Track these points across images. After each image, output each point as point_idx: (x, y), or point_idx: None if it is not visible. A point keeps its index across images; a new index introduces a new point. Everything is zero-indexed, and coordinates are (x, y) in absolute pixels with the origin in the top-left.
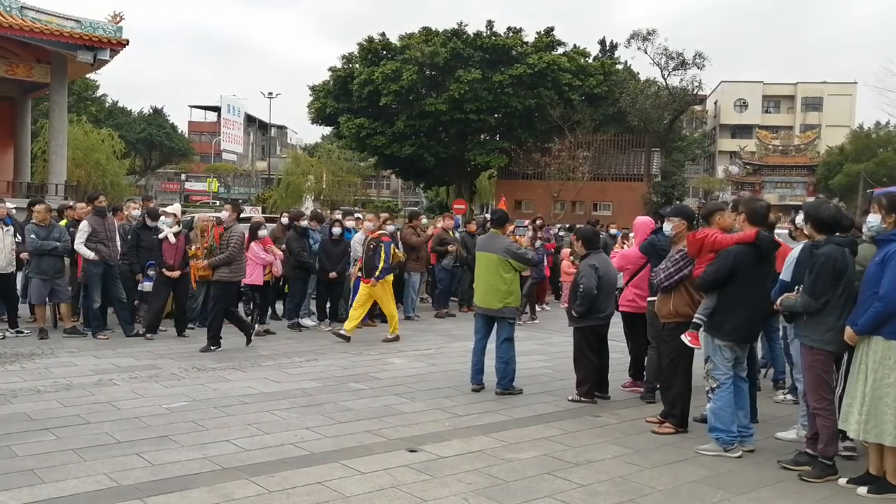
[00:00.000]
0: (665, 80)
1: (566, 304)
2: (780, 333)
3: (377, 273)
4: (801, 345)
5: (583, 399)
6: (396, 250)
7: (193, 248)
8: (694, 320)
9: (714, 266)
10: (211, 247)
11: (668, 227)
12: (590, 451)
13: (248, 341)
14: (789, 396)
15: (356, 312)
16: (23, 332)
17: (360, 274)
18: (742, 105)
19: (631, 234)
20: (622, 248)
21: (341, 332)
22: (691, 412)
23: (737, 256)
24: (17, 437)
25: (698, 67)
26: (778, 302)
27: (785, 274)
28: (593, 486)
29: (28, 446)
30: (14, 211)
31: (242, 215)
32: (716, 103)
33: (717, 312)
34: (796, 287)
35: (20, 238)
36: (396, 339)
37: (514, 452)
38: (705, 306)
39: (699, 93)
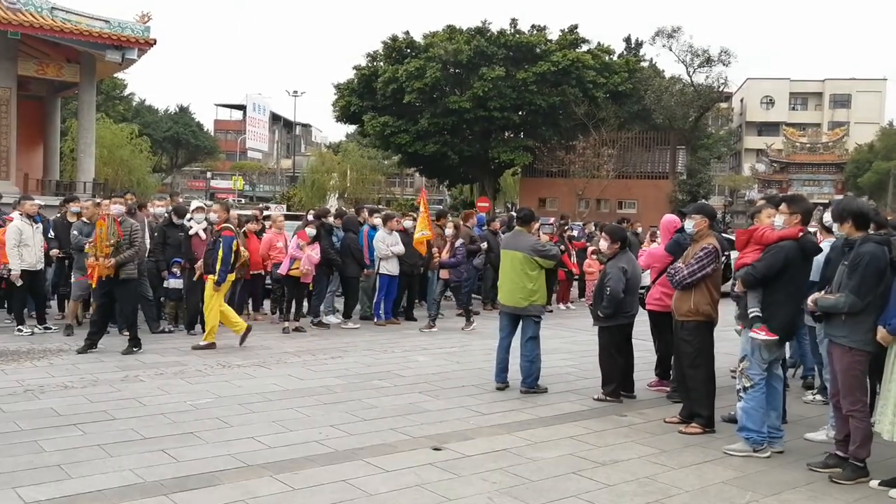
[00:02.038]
0: (690, 77)
1: (590, 302)
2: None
3: (216, 275)
4: (836, 346)
5: (608, 398)
6: (242, 248)
7: (88, 243)
8: (753, 315)
9: (765, 261)
10: (118, 243)
11: (689, 225)
12: (616, 450)
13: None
14: (818, 397)
15: (213, 316)
16: (50, 329)
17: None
18: (769, 102)
19: (658, 233)
20: (650, 246)
21: (202, 344)
22: (717, 412)
23: (788, 253)
24: (44, 433)
25: (724, 64)
26: (811, 302)
27: (813, 274)
28: (619, 487)
29: (55, 441)
30: (41, 205)
31: (265, 213)
32: (742, 101)
33: (763, 308)
34: (826, 286)
35: (52, 235)
36: (211, 346)
37: (539, 451)
38: (756, 300)
39: (725, 90)
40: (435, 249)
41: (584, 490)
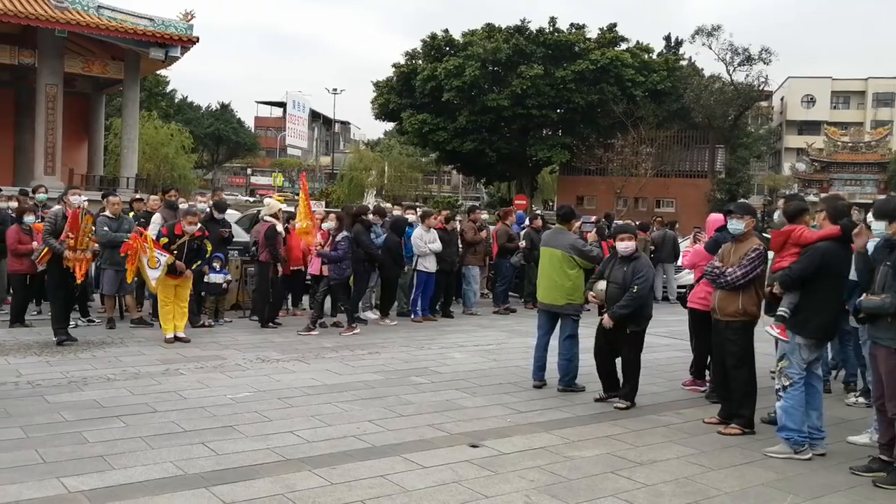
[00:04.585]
0: (730, 75)
1: None
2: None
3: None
4: (881, 348)
5: (606, 398)
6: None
7: (71, 236)
8: (779, 314)
9: (802, 263)
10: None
11: (739, 225)
12: (654, 450)
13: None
14: (861, 399)
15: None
16: (94, 322)
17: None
18: (810, 101)
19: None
20: (693, 245)
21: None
22: (757, 413)
23: (825, 254)
24: (87, 424)
25: (764, 63)
26: (857, 302)
27: (855, 274)
28: (658, 487)
29: (98, 433)
30: (87, 203)
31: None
32: (782, 99)
33: (800, 310)
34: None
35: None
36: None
37: (577, 450)
38: (789, 301)
39: (765, 88)
40: (318, 241)
41: (622, 489)
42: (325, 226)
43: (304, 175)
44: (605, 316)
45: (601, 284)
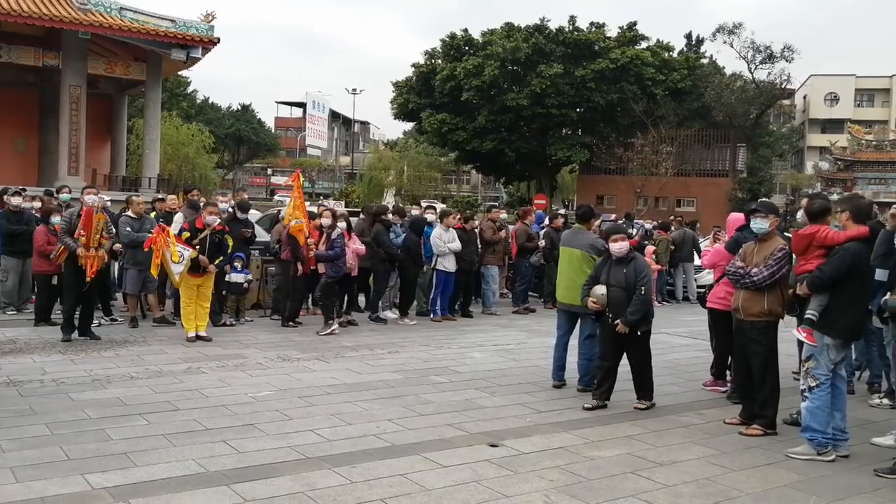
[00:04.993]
0: (752, 73)
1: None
2: None
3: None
4: None
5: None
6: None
7: (83, 234)
8: (807, 317)
9: (833, 264)
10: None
11: (763, 224)
12: (674, 451)
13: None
14: (885, 401)
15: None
16: (116, 320)
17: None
18: (833, 99)
19: (723, 231)
20: (713, 245)
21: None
22: (779, 414)
23: (855, 255)
24: (111, 421)
25: (787, 60)
26: (881, 302)
27: (881, 274)
28: (678, 488)
29: (121, 430)
30: (109, 203)
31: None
32: (805, 97)
33: (829, 310)
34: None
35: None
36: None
37: (597, 450)
38: (818, 303)
39: (787, 87)
40: (311, 240)
41: (642, 490)
42: (323, 223)
43: (299, 172)
44: (620, 323)
45: (601, 289)
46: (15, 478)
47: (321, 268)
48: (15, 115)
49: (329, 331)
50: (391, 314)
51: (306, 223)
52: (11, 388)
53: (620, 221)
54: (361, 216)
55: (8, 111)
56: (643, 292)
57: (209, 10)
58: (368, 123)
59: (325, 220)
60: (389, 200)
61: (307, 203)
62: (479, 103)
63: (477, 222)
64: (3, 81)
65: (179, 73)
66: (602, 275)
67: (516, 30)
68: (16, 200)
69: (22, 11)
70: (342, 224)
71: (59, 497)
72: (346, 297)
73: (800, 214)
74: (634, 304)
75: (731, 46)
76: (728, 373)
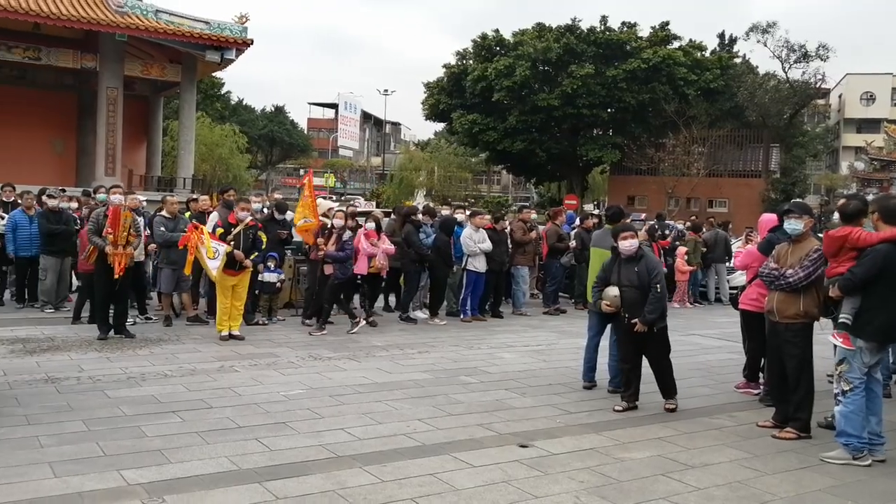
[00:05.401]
0: (786, 73)
1: (681, 302)
2: None
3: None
4: None
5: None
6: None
7: (111, 233)
8: (841, 321)
9: (863, 266)
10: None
11: (797, 225)
12: (706, 453)
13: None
14: None
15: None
16: (151, 319)
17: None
18: (869, 98)
19: (755, 232)
20: (746, 246)
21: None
22: (813, 417)
23: (886, 256)
24: (145, 419)
25: (822, 59)
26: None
27: None
28: (710, 490)
29: (156, 427)
30: (145, 203)
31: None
32: (840, 97)
33: (861, 312)
34: None
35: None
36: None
37: (627, 452)
38: (851, 306)
39: (822, 86)
40: (320, 240)
41: (674, 492)
42: (335, 223)
43: (311, 171)
44: (638, 322)
45: (613, 290)
46: (53, 473)
47: (328, 269)
48: (54, 117)
49: (321, 333)
50: (421, 314)
51: (316, 223)
52: (50, 384)
53: (651, 222)
54: (392, 216)
55: (48, 113)
56: (658, 289)
57: (243, 11)
58: (399, 124)
59: (338, 221)
60: (420, 201)
61: (337, 202)
62: (510, 103)
63: (507, 223)
64: (43, 84)
65: (213, 74)
66: (612, 276)
67: (547, 30)
68: (52, 202)
69: (61, 14)
70: (370, 225)
71: (95, 492)
72: (359, 296)
73: (836, 215)
74: (652, 303)
75: (765, 45)
76: (761, 375)
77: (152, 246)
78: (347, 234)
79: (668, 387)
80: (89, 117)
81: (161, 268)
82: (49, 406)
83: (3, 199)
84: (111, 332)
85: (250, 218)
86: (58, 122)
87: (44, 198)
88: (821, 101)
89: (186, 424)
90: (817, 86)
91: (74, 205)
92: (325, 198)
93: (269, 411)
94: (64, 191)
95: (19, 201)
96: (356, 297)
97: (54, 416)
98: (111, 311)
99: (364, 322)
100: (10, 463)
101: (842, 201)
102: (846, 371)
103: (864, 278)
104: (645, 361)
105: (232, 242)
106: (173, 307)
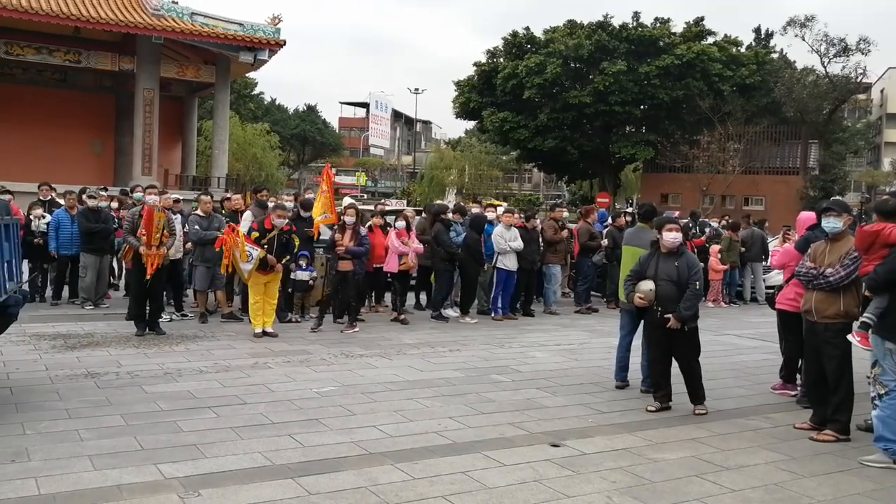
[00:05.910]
0: (825, 67)
1: (716, 301)
2: None
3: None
4: None
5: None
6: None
7: (144, 234)
8: (863, 320)
9: (888, 264)
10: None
11: (837, 223)
12: (741, 455)
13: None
14: None
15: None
16: (187, 316)
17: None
18: None
19: (792, 230)
20: (783, 245)
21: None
22: (853, 419)
23: None
24: (181, 414)
25: (862, 53)
26: None
27: None
28: (745, 493)
29: (191, 422)
30: (180, 202)
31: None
32: (882, 91)
33: (888, 314)
34: None
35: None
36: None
37: (660, 452)
38: (876, 306)
39: (863, 80)
40: (337, 236)
41: (708, 494)
42: (346, 220)
43: (329, 166)
44: (672, 318)
45: (648, 284)
46: (93, 465)
47: (345, 265)
48: (94, 118)
49: (353, 331)
50: (452, 312)
51: (334, 219)
52: (90, 379)
53: (685, 221)
54: (423, 215)
55: (87, 115)
56: (697, 286)
57: (275, 13)
58: (430, 123)
59: (349, 219)
60: (451, 199)
61: (370, 201)
62: (540, 101)
63: (539, 221)
64: (83, 86)
65: (247, 75)
66: (649, 269)
67: (579, 27)
68: (91, 202)
69: (100, 18)
70: (400, 224)
71: (133, 485)
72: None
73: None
74: (689, 300)
75: (803, 40)
76: (798, 376)
77: (188, 245)
78: (363, 230)
79: (696, 390)
80: (127, 118)
81: (196, 265)
82: (89, 400)
83: (41, 197)
84: (147, 329)
85: (286, 223)
86: (97, 123)
87: (84, 197)
88: (862, 96)
89: (221, 420)
90: (858, 80)
91: (115, 204)
92: (354, 197)
93: (302, 408)
94: (106, 189)
95: (58, 200)
96: (387, 295)
97: (94, 411)
98: (147, 308)
99: (358, 329)
100: (52, 456)
101: (883, 198)
102: (880, 374)
103: (887, 277)
104: (675, 364)
105: (265, 246)
106: (207, 304)
